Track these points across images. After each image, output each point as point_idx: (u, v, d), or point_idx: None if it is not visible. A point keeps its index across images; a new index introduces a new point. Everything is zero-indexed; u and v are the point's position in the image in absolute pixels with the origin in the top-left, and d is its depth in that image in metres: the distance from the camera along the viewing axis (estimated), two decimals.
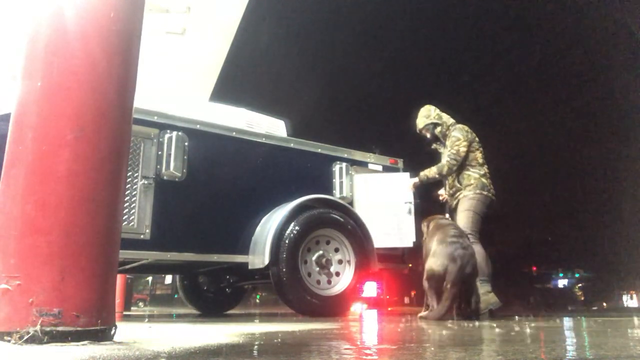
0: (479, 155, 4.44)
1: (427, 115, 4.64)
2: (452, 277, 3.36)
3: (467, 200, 4.28)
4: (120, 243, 1.70)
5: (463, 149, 4.34)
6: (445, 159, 4.39)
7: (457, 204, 4.41)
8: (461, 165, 4.40)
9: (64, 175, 1.53)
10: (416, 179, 4.43)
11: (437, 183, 4.75)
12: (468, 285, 3.52)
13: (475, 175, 4.35)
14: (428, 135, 4.65)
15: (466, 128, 4.47)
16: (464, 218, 4.22)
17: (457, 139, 4.38)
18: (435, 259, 3.51)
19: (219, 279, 5.13)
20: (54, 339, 1.38)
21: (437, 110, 4.67)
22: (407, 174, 4.46)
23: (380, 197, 4.33)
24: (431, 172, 4.40)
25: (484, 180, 4.35)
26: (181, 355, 1.27)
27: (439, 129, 4.56)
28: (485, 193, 4.31)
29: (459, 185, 4.38)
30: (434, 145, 4.72)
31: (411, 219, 4.29)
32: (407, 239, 4.25)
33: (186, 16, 5.25)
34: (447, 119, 4.59)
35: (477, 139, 4.49)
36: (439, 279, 3.46)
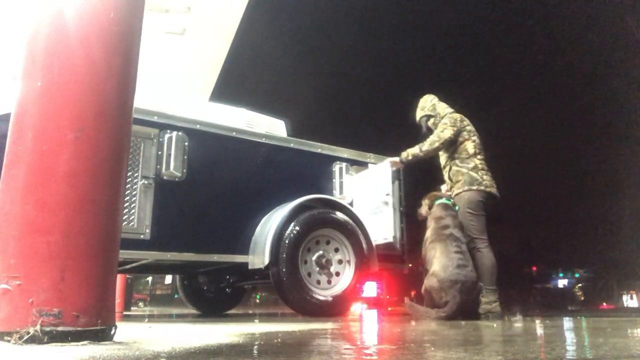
0: (469, 145, 4.23)
1: (422, 107, 4.56)
2: (451, 311, 3.31)
3: (461, 199, 4.14)
4: (120, 243, 1.70)
5: (448, 132, 4.17)
6: (428, 138, 4.24)
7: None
8: (450, 157, 4.28)
9: (64, 175, 1.53)
10: (396, 158, 4.22)
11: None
12: (468, 312, 3.48)
13: (463, 170, 4.16)
14: (423, 128, 4.56)
15: (457, 117, 4.31)
16: (464, 220, 4.04)
17: (444, 124, 4.25)
18: (436, 288, 3.42)
19: (219, 279, 5.13)
20: (54, 339, 1.38)
21: (435, 101, 4.53)
22: (387, 162, 4.21)
23: (364, 193, 4.26)
24: (414, 148, 4.20)
25: (472, 174, 4.12)
26: (181, 355, 1.27)
27: (432, 120, 4.45)
28: (475, 188, 4.09)
29: (450, 182, 4.28)
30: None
31: (389, 211, 4.06)
32: (387, 234, 4.06)
33: (186, 16, 5.26)
34: (441, 109, 4.44)
35: (468, 128, 4.29)
36: (437, 305, 3.44)
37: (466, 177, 4.14)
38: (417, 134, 4.62)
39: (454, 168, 4.23)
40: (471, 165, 4.18)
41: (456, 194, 4.18)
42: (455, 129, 4.20)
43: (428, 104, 4.53)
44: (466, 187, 4.12)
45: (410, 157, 4.21)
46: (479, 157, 4.22)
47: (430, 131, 4.46)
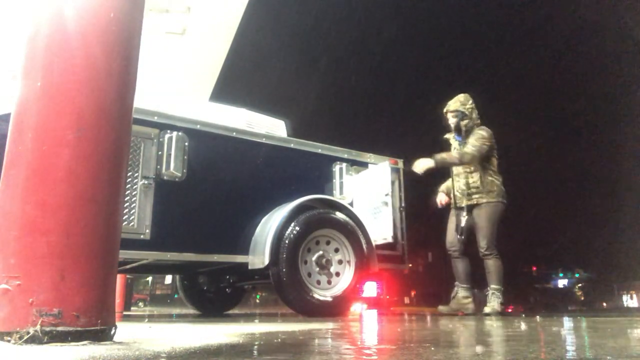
0: (495, 161, 4.50)
1: (463, 103, 4.54)
2: None
3: (490, 208, 4.34)
4: (120, 243, 1.69)
5: (486, 147, 4.37)
6: (468, 149, 4.35)
7: (471, 206, 4.41)
8: (484, 167, 4.43)
9: (64, 175, 1.53)
10: (431, 162, 4.29)
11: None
12: None
13: (497, 182, 4.41)
14: (450, 121, 4.56)
15: (491, 133, 4.50)
16: (487, 229, 4.29)
17: (482, 136, 4.40)
18: None
19: (219, 279, 5.13)
20: (54, 339, 1.38)
21: (473, 104, 4.59)
22: (387, 163, 4.26)
23: (364, 193, 4.26)
24: (450, 156, 4.36)
25: (503, 188, 4.43)
26: (181, 355, 1.27)
27: (466, 121, 4.49)
28: (504, 201, 4.40)
29: (480, 188, 4.37)
30: (447, 135, 4.71)
31: (389, 211, 4.08)
32: (387, 234, 4.06)
33: (186, 16, 5.25)
34: (476, 116, 4.55)
35: (495, 145, 4.53)
36: None
37: (499, 189, 4.41)
38: (420, 132, 4.67)
39: (489, 178, 4.43)
40: (501, 178, 4.47)
41: (487, 202, 4.37)
42: (491, 145, 4.43)
43: (468, 105, 4.56)
44: (499, 199, 4.38)
45: (447, 165, 4.39)
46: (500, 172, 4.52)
47: (457, 129, 4.53)
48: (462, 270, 4.44)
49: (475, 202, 4.39)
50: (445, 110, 4.63)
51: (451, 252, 4.51)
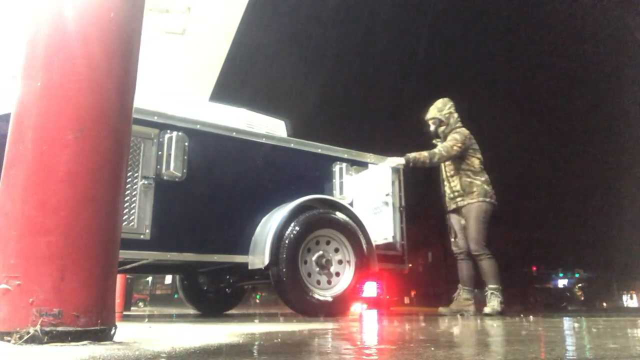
0: (476, 161, 4.50)
1: (440, 109, 4.62)
2: None
3: (472, 209, 4.37)
4: (120, 243, 1.69)
5: (456, 149, 4.40)
6: (436, 149, 4.42)
7: (455, 209, 4.49)
8: (460, 169, 4.47)
9: (64, 175, 1.53)
10: (402, 160, 4.30)
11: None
12: None
13: (477, 182, 4.41)
14: (431, 128, 4.66)
15: (466, 133, 4.53)
16: (472, 231, 4.32)
17: (454, 139, 4.45)
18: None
19: (219, 279, 5.12)
20: (54, 339, 1.38)
21: (452, 109, 4.64)
22: (387, 162, 4.26)
23: (364, 193, 4.26)
24: (422, 155, 4.34)
25: (486, 187, 4.42)
26: (181, 355, 1.27)
27: (443, 127, 4.59)
28: (488, 200, 4.38)
29: (461, 191, 4.41)
30: (435, 141, 4.75)
31: (389, 211, 4.07)
32: (387, 234, 4.05)
33: (186, 16, 5.26)
34: (454, 121, 4.60)
35: (475, 146, 4.55)
36: None
37: (480, 189, 4.40)
38: (418, 132, 4.72)
39: (467, 179, 4.45)
40: (483, 178, 4.45)
41: (468, 203, 4.41)
42: (464, 146, 4.44)
43: (445, 110, 4.63)
44: (480, 198, 4.37)
45: (418, 164, 4.35)
46: (484, 172, 4.50)
47: (436, 135, 4.66)
48: (466, 273, 4.48)
49: (459, 205, 4.46)
50: (426, 118, 4.69)
51: (456, 255, 4.53)
